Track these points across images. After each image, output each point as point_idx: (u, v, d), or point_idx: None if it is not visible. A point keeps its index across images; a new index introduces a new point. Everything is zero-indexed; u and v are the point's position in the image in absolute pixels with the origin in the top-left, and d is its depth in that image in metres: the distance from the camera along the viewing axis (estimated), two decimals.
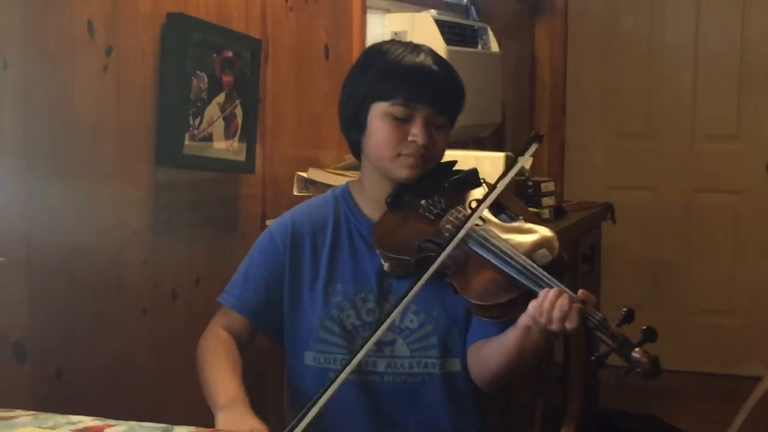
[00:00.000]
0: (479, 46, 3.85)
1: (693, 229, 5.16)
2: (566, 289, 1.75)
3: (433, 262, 1.83)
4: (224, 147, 2.52)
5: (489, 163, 2.99)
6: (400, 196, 2.01)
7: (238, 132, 2.56)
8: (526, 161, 3.29)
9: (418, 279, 1.80)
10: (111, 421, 1.68)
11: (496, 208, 1.97)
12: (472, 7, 4.28)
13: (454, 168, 2.09)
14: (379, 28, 3.47)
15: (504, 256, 1.82)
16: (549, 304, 1.73)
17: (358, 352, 1.83)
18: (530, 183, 3.40)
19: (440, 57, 2.03)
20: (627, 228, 4.75)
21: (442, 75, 2.00)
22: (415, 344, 1.99)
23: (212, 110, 2.45)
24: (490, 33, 3.97)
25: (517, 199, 2.17)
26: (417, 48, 2.02)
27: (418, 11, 3.60)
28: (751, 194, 5.05)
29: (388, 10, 3.53)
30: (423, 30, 3.47)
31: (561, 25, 5.19)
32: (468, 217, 1.87)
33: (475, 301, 1.83)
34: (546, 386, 3.60)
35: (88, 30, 2.10)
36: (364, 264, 2.02)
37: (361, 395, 1.99)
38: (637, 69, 5.18)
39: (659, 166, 5.18)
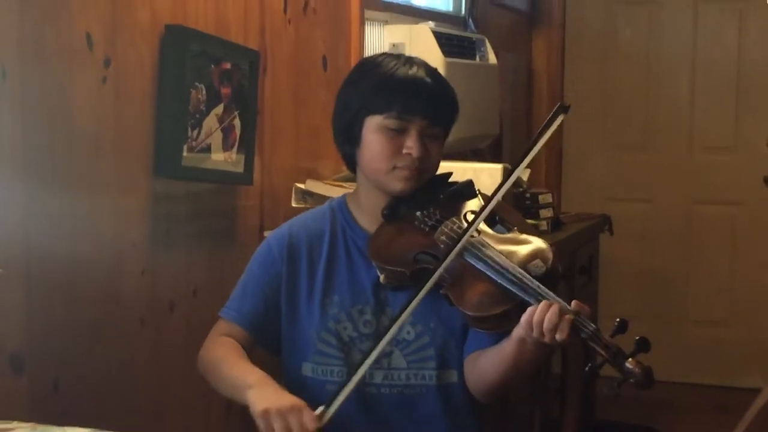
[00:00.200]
0: (477, 58, 3.86)
1: (691, 241, 5.17)
2: (560, 300, 1.76)
3: (428, 274, 1.84)
4: (222, 158, 2.52)
5: (487, 175, 3.00)
6: (396, 208, 2.01)
7: (237, 143, 2.57)
8: (523, 172, 3.31)
9: (416, 293, 1.81)
10: None
11: (492, 220, 1.98)
12: (470, 19, 4.28)
13: (450, 179, 2.10)
14: (377, 39, 3.48)
15: (498, 268, 1.82)
16: (539, 316, 1.73)
17: (355, 364, 1.84)
18: (528, 195, 3.41)
19: (433, 69, 2.04)
20: (625, 240, 4.75)
21: (436, 87, 2.00)
22: (412, 356, 2.00)
23: (210, 122, 2.45)
24: (488, 45, 3.98)
25: (514, 210, 2.17)
26: (410, 60, 2.02)
27: (416, 23, 3.61)
28: (748, 206, 5.06)
29: (386, 22, 3.54)
30: (421, 42, 3.48)
31: (558, 37, 5.20)
32: (467, 229, 1.87)
33: (469, 313, 1.84)
34: (543, 397, 3.60)
35: (86, 42, 2.11)
36: (361, 276, 2.02)
37: (358, 407, 1.99)
38: (635, 81, 5.19)
39: (657, 178, 5.19)
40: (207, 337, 2.08)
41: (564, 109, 1.93)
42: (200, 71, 2.41)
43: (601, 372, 1.75)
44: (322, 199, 2.61)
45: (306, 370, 2.03)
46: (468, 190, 2.07)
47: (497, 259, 1.84)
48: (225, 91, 2.50)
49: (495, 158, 4.30)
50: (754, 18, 4.99)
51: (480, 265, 1.84)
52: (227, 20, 2.58)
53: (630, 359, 1.67)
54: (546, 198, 3.43)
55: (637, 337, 1.68)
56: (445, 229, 1.94)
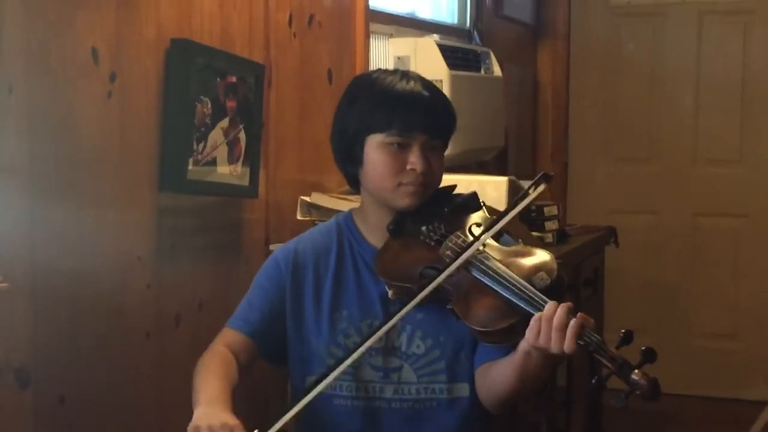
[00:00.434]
0: (482, 71, 3.86)
1: (696, 253, 5.16)
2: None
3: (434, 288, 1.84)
4: (228, 172, 2.53)
5: (492, 188, 3.00)
6: (402, 223, 2.01)
7: (242, 157, 2.57)
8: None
9: (409, 301, 1.82)
10: None
11: (498, 232, 1.97)
12: (475, 32, 4.29)
13: (454, 192, 2.10)
14: (382, 52, 3.48)
15: (503, 281, 1.82)
16: (547, 315, 1.73)
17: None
18: (533, 207, 3.40)
19: (428, 81, 2.03)
20: (630, 252, 4.74)
21: (434, 100, 2.00)
22: (423, 370, 1.99)
23: (216, 135, 2.46)
24: (493, 57, 3.99)
25: (520, 223, 2.16)
26: (405, 75, 2.01)
27: (422, 36, 3.62)
28: (754, 218, 5.05)
29: (391, 35, 3.55)
30: (426, 55, 3.48)
31: (563, 50, 5.20)
32: (464, 249, 1.87)
33: (476, 328, 1.83)
34: (550, 410, 3.59)
35: (92, 57, 2.11)
36: (369, 290, 2.02)
37: (368, 421, 1.99)
38: (640, 93, 5.19)
39: (662, 190, 5.18)
40: (210, 343, 2.08)
41: (547, 178, 1.92)
42: (205, 85, 2.41)
43: (607, 385, 1.74)
44: (328, 211, 2.61)
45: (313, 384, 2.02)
46: (473, 202, 2.07)
47: (501, 272, 1.84)
48: (230, 104, 2.50)
49: (500, 170, 4.30)
50: (759, 30, 4.99)
51: (485, 279, 1.84)
52: (232, 34, 2.59)
53: (636, 371, 1.66)
54: (551, 210, 3.42)
55: (643, 348, 1.67)
56: (450, 244, 1.94)
